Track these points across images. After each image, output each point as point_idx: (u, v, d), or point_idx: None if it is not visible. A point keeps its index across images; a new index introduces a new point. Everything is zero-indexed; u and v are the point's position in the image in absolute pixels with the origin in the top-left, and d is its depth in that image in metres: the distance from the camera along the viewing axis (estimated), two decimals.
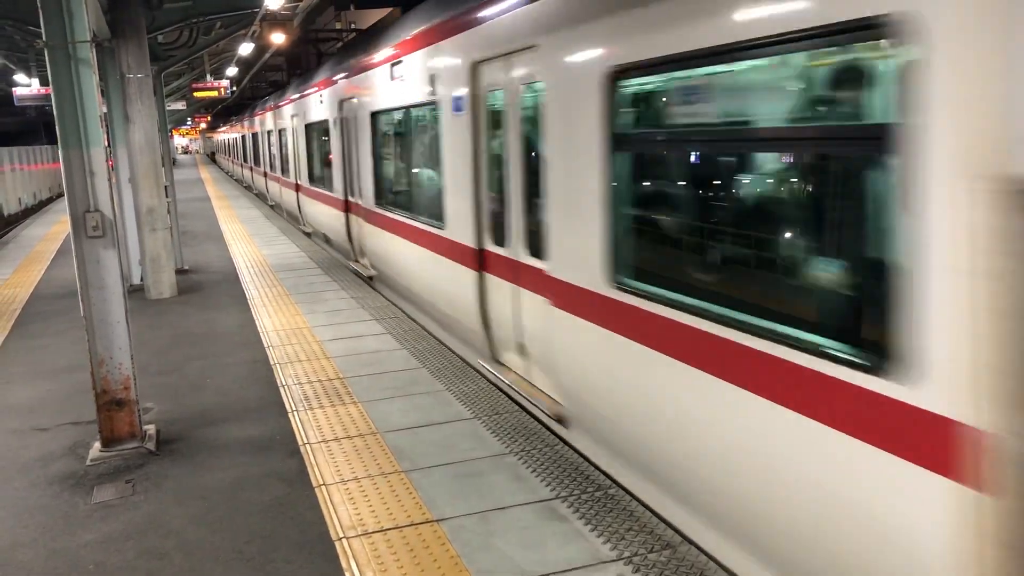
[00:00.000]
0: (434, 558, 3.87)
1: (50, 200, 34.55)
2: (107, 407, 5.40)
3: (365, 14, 31.77)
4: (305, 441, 5.39)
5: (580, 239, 4.78)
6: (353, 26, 29.60)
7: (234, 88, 30.52)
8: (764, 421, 3.29)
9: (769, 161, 3.72)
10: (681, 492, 4.04)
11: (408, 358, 7.19)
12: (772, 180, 3.75)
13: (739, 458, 3.47)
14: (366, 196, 10.71)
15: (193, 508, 4.56)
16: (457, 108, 6.77)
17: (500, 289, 6.27)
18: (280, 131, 20.17)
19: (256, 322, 8.87)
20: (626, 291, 4.33)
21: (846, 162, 3.10)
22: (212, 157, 70.18)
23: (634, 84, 4.38)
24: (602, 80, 4.41)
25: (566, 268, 5.03)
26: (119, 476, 5.04)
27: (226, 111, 49.52)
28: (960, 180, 2.45)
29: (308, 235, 16.66)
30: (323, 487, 4.69)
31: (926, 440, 2.62)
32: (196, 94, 22.53)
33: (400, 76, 8.57)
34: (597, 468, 4.80)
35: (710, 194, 4.25)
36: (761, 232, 3.68)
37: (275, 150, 21.60)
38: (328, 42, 26.38)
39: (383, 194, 10.14)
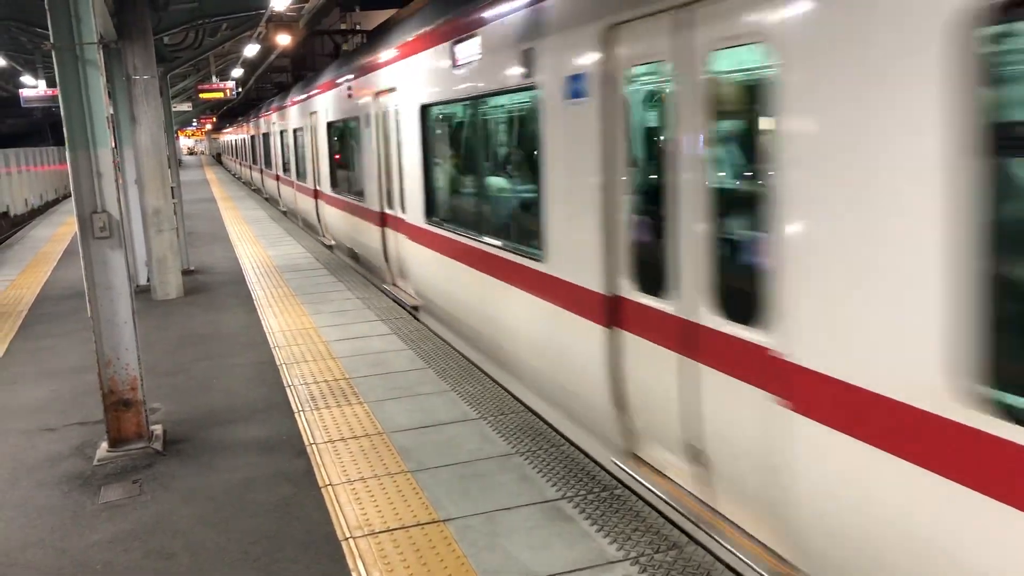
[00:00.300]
0: (440, 558, 3.88)
1: (56, 201, 34.67)
2: (114, 407, 5.41)
3: (371, 15, 31.80)
4: (311, 441, 5.40)
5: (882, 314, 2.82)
6: (358, 27, 29.64)
7: (239, 89, 30.58)
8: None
9: None
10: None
11: (414, 358, 7.19)
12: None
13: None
14: (412, 208, 8.89)
15: (200, 508, 4.58)
16: (575, 93, 4.93)
17: (653, 359, 4.40)
18: (296, 131, 18.47)
19: (262, 323, 8.89)
20: None
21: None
22: (218, 158, 70.32)
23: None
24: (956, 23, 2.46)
25: (835, 360, 3.02)
26: (126, 476, 5.06)
27: (233, 111, 49.42)
28: None
29: (330, 248, 14.75)
30: (329, 487, 4.69)
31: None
32: (202, 95, 22.58)
33: (469, 58, 6.77)
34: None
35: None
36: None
37: (289, 151, 19.95)
38: (346, 34, 26.35)
39: (439, 207, 8.34)
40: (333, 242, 14.87)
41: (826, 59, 2.95)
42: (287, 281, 11.36)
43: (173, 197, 11.15)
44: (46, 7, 5.04)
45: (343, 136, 13.21)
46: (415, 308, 9.20)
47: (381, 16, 29.79)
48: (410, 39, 8.59)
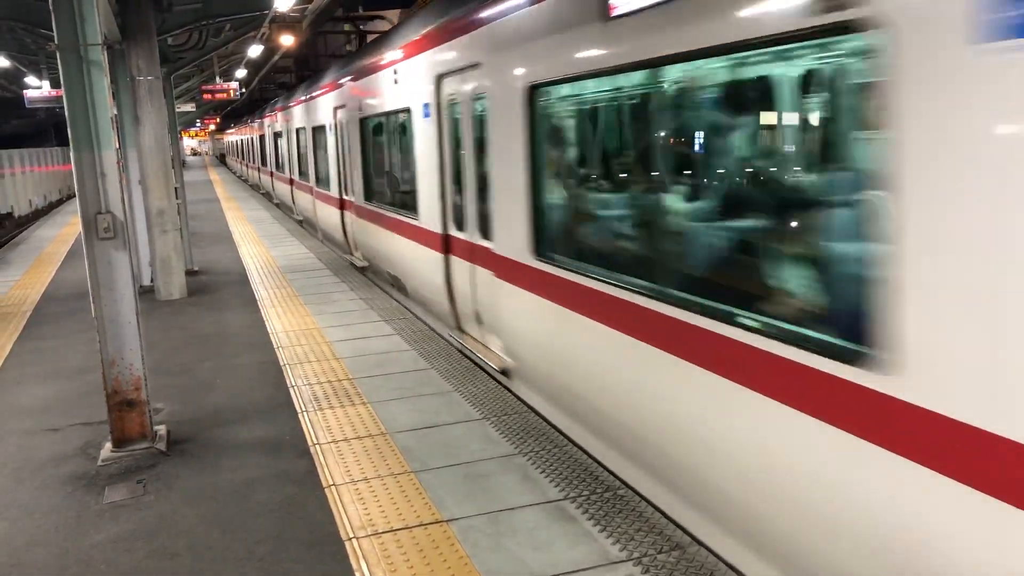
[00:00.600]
0: (444, 558, 3.88)
1: (60, 202, 34.74)
2: (118, 408, 5.42)
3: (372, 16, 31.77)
4: (315, 441, 5.41)
5: None
6: (361, 28, 29.64)
7: (243, 90, 30.62)
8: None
9: None
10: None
11: (417, 359, 7.20)
12: None
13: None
14: (508, 236, 6.22)
15: (204, 508, 4.58)
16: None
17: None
18: (315, 129, 15.89)
19: (266, 323, 8.90)
20: None
21: None
22: (222, 159, 70.37)
23: None
24: None
25: None
26: (130, 476, 5.07)
27: (237, 111, 49.39)
28: None
29: (362, 270, 12.25)
30: (333, 487, 4.70)
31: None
32: (206, 96, 22.61)
33: None
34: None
35: None
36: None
37: (307, 153, 17.19)
38: (370, 20, 26.34)
39: (560, 238, 5.77)
40: (366, 263, 12.15)
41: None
42: (290, 281, 11.38)
43: (177, 198, 11.17)
44: (50, 8, 5.06)
45: (383, 135, 10.88)
46: (503, 371, 6.62)
47: (379, 20, 29.81)
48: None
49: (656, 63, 4.15)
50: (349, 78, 12.14)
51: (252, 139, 35.17)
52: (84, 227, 5.23)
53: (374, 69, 10.36)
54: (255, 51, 20.23)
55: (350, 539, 4.11)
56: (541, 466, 4.86)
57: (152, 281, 10.76)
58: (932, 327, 2.69)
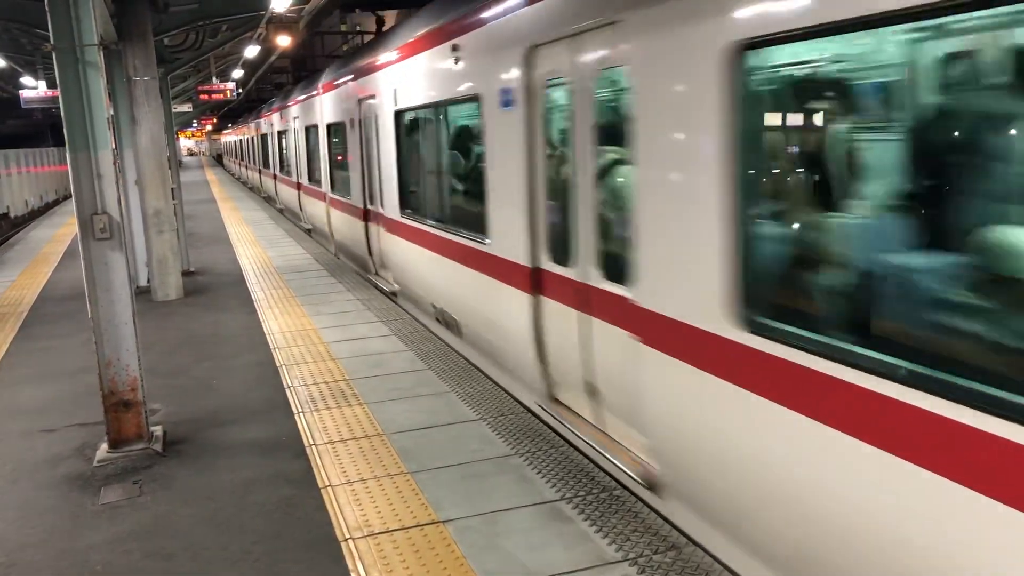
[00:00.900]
0: (440, 559, 3.89)
1: (56, 202, 34.70)
2: (114, 408, 5.42)
3: (371, 17, 31.80)
4: (311, 442, 5.41)
5: None
6: (359, 28, 29.66)
7: (240, 90, 30.59)
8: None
9: None
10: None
11: (414, 359, 7.20)
12: None
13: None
14: (692, 290, 3.95)
15: (200, 509, 4.58)
16: None
17: None
18: (331, 126, 13.67)
19: (262, 324, 8.90)
20: None
21: None
22: (219, 159, 70.26)
23: None
24: None
25: None
26: (126, 477, 5.07)
27: (236, 111, 49.20)
28: None
29: (392, 296, 10.05)
30: (329, 488, 4.70)
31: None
32: (202, 96, 22.60)
33: None
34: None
35: None
36: None
37: (320, 153, 14.97)
38: (346, 35, 26.23)
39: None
40: (396, 287, 9.92)
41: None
42: (287, 282, 11.37)
43: (173, 198, 11.16)
44: (46, 9, 5.05)
45: (430, 131, 8.57)
46: (649, 485, 4.50)
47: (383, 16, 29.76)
48: None
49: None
50: (381, 63, 9.71)
51: (252, 139, 32.32)
52: (80, 228, 5.23)
53: (419, 49, 8.16)
54: (252, 52, 20.22)
55: (346, 540, 4.11)
56: (537, 467, 4.86)
57: (148, 282, 10.75)
58: None
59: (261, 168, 28.88)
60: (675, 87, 3.93)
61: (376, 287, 10.62)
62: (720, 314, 3.66)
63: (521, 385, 6.31)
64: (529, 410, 5.88)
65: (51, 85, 19.98)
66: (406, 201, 9.25)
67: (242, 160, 39.44)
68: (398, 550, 3.98)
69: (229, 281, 11.78)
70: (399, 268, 9.66)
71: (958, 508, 2.64)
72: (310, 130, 16.10)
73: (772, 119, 3.83)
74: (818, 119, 3.77)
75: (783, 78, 3.63)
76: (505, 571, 3.77)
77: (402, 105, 8.90)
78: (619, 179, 4.84)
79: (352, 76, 11.54)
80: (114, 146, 5.34)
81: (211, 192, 31.38)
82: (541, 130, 5.64)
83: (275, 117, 22.72)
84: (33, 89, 21.57)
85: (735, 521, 3.77)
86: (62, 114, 5.14)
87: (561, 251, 5.42)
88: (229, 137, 53.93)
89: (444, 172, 8.32)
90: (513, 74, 5.82)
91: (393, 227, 9.69)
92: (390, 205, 9.71)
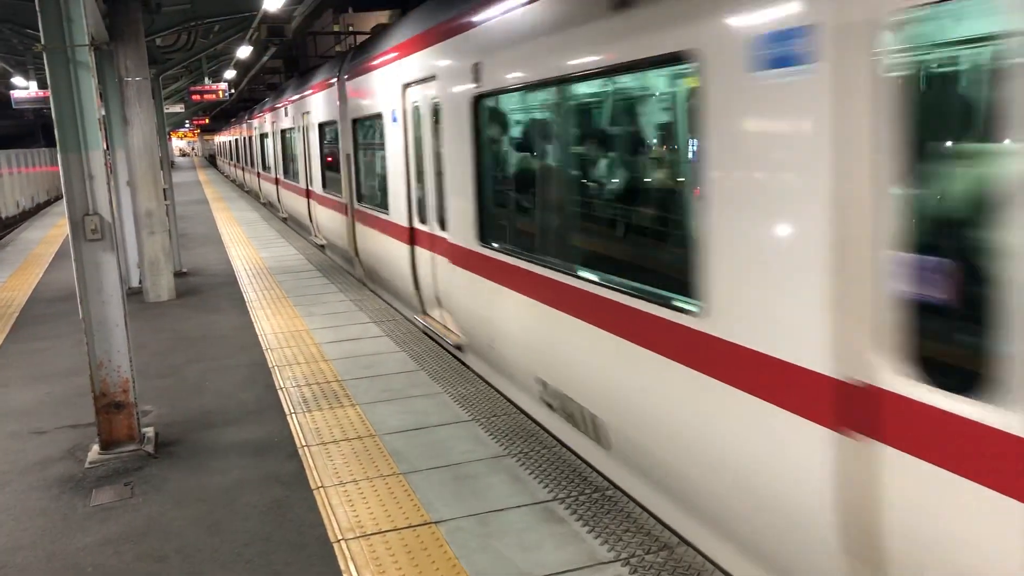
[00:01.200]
0: (432, 560, 3.89)
1: (48, 203, 34.56)
2: (106, 410, 5.40)
3: (364, 17, 31.82)
4: (304, 443, 5.40)
5: None
6: (351, 28, 29.65)
7: (232, 91, 30.51)
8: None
9: None
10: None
11: (406, 360, 7.20)
12: None
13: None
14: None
15: (192, 510, 4.57)
16: None
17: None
18: (357, 121, 11.06)
19: (254, 325, 8.88)
20: None
21: None
22: (212, 160, 70.03)
23: None
24: None
25: None
26: (118, 479, 5.05)
27: (229, 111, 48.92)
28: None
29: (457, 351, 7.54)
30: (321, 489, 4.70)
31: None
32: (194, 96, 22.54)
33: None
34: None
35: None
36: None
37: (335, 158, 12.79)
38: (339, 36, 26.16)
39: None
40: (461, 338, 7.44)
41: None
42: (279, 283, 11.35)
43: (165, 199, 11.13)
44: (37, 9, 5.04)
45: (542, 125, 6.00)
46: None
47: (376, 18, 29.83)
48: None
49: None
50: (451, 28, 7.06)
51: (250, 139, 29.52)
52: (72, 229, 5.21)
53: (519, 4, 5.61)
54: (244, 52, 20.17)
55: (338, 541, 4.11)
56: (530, 467, 4.87)
57: (140, 283, 10.72)
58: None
59: (260, 171, 26.36)
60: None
61: (429, 334, 8.06)
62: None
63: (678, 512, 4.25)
64: None
65: (42, 85, 19.92)
66: (491, 223, 6.58)
67: (237, 162, 37.35)
68: (390, 551, 3.98)
69: (221, 282, 11.75)
70: (470, 316, 7.03)
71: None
72: (325, 127, 13.70)
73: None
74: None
75: None
76: (497, 572, 3.77)
77: (492, 85, 6.14)
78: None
79: (395, 55, 8.83)
80: (105, 147, 5.31)
81: (204, 193, 31.30)
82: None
83: (278, 113, 20.19)
84: (24, 89, 21.49)
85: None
86: (53, 115, 5.13)
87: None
88: (223, 137, 52.22)
89: (589, 185, 5.55)
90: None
91: (466, 259, 6.92)
92: (459, 228, 7.04)
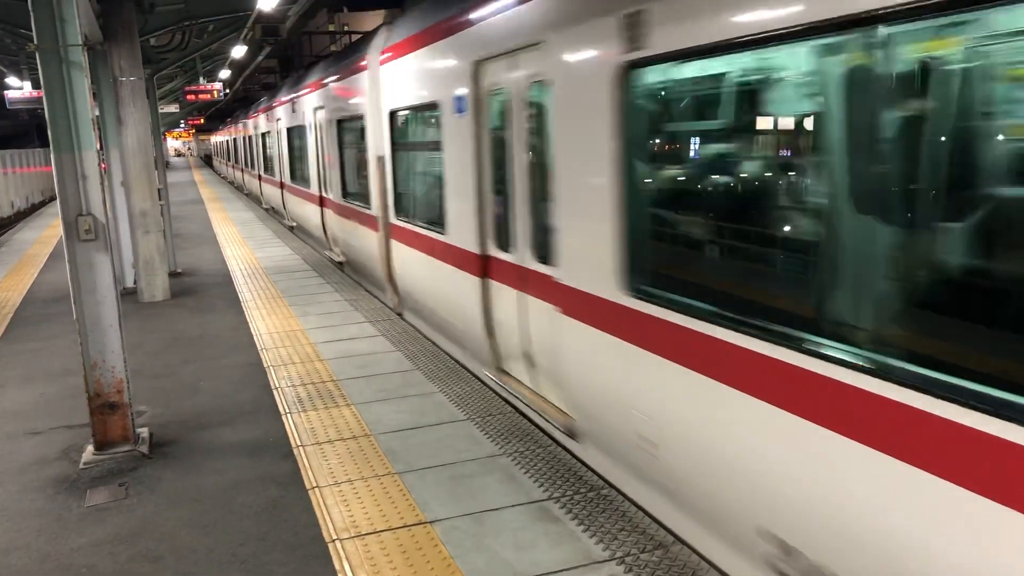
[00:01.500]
0: (427, 559, 3.89)
1: (43, 204, 34.48)
2: (100, 410, 5.39)
3: (359, 17, 31.79)
4: (299, 443, 5.39)
5: None
6: (346, 27, 29.61)
7: (227, 91, 30.42)
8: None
9: None
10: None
11: (401, 360, 7.19)
12: None
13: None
14: None
15: (187, 511, 4.57)
16: None
17: None
18: (393, 114, 8.77)
19: (250, 325, 8.87)
20: None
21: None
22: (208, 161, 69.85)
23: None
24: None
25: None
26: (112, 479, 5.04)
27: (224, 111, 48.70)
28: None
29: (563, 434, 5.38)
30: (316, 489, 4.69)
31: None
32: (189, 96, 22.49)
33: None
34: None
35: None
36: None
37: (380, 156, 9.33)
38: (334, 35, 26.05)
39: None
40: (577, 422, 5.21)
41: None
42: (274, 283, 11.34)
43: (160, 199, 11.11)
44: (30, 8, 5.02)
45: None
46: None
47: (374, 17, 29.78)
48: None
49: None
50: None
51: (250, 139, 26.89)
52: (65, 229, 5.20)
53: None
54: (239, 52, 20.14)
55: (333, 541, 4.11)
56: (525, 466, 4.87)
57: (135, 283, 10.70)
58: None
59: (261, 174, 23.83)
60: None
61: (511, 402, 6.14)
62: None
63: None
64: None
65: (36, 85, 19.86)
66: (653, 261, 4.34)
67: (236, 163, 35.45)
68: (385, 551, 3.98)
69: (216, 282, 11.73)
70: (599, 394, 4.79)
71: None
72: (345, 123, 11.41)
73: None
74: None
75: None
76: (492, 571, 3.78)
77: (667, 45, 3.86)
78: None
79: (465, 20, 6.49)
80: (99, 147, 5.30)
81: (199, 193, 31.24)
82: None
83: (283, 109, 17.75)
84: (18, 90, 21.43)
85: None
86: (46, 115, 5.11)
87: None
88: (220, 137, 50.48)
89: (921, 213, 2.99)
90: None
91: (598, 313, 4.71)
92: (582, 265, 4.88)
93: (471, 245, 6.63)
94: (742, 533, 3.61)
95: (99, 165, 5.26)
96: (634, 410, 4.35)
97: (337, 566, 3.88)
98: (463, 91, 6.52)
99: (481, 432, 5.44)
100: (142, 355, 7.75)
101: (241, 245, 15.67)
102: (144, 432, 5.67)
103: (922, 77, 2.80)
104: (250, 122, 26.23)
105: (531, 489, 4.57)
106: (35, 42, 5.05)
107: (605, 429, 4.79)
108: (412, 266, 8.54)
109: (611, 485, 4.65)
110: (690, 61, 3.84)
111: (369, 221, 10.18)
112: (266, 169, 22.65)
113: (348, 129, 11.41)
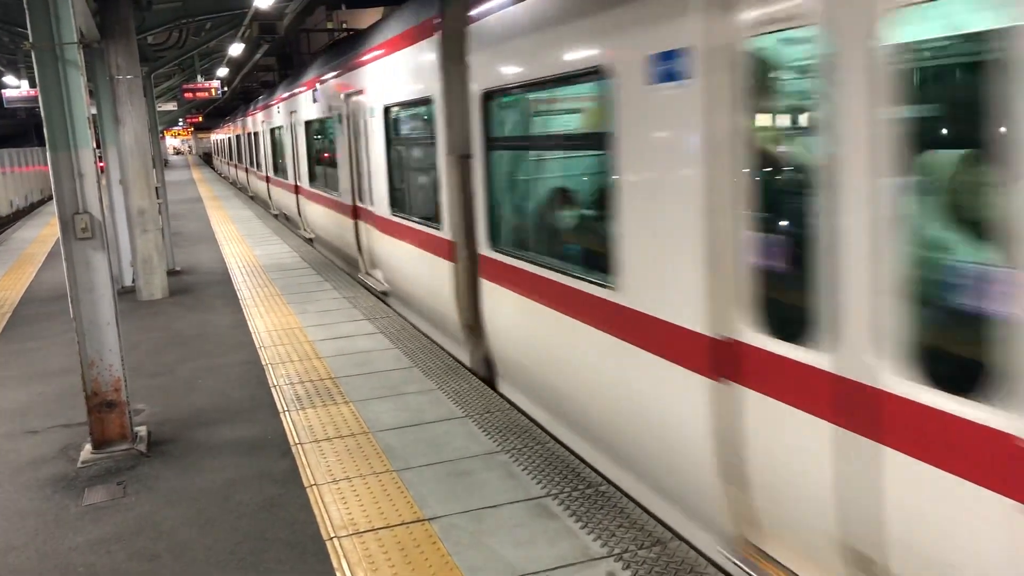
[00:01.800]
0: (425, 557, 3.88)
1: (41, 202, 34.46)
2: (98, 409, 5.39)
3: (357, 14, 31.74)
4: (297, 441, 5.39)
5: None
6: (345, 25, 29.57)
7: (225, 89, 30.39)
8: None
9: None
10: None
11: (400, 357, 7.19)
12: None
13: None
14: None
15: (184, 509, 4.56)
16: None
17: None
18: (507, 95, 5.97)
19: (248, 323, 8.86)
20: None
21: None
22: (207, 159, 69.77)
23: None
24: None
25: None
26: (110, 478, 5.04)
27: (222, 109, 48.55)
28: None
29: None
30: (315, 487, 4.69)
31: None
32: (187, 94, 22.47)
33: None
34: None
35: None
36: None
37: (459, 155, 6.93)
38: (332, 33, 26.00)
39: None
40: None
41: None
42: (273, 281, 11.33)
43: (158, 197, 11.10)
44: (25, 6, 5.01)
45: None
46: None
47: (370, 14, 29.73)
48: None
49: None
50: None
51: (256, 136, 24.33)
52: (62, 228, 5.19)
53: None
54: (236, 50, 20.12)
55: (332, 539, 4.10)
56: (523, 463, 4.86)
57: (134, 281, 10.69)
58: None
59: (270, 175, 21.12)
60: None
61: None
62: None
63: None
64: None
65: (33, 84, 19.82)
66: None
67: (238, 162, 32.90)
68: (383, 548, 3.98)
69: (215, 280, 11.73)
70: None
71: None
72: (392, 110, 8.98)
73: None
74: None
75: None
76: (490, 568, 3.77)
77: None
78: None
79: None
80: (96, 145, 5.29)
81: (198, 191, 31.22)
82: None
83: (296, 101, 15.29)
84: (16, 88, 21.41)
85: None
86: (42, 113, 5.10)
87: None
88: (220, 135, 48.34)
89: None
90: None
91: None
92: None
93: (689, 320, 3.83)
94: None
95: (96, 163, 5.26)
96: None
97: (335, 564, 3.88)
98: (681, 42, 3.69)
99: (479, 429, 5.44)
100: (140, 353, 7.74)
101: (240, 243, 15.66)
102: (142, 430, 5.67)
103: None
104: (259, 116, 22.52)
105: (529, 486, 4.57)
106: (31, 40, 5.04)
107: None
108: (528, 326, 5.78)
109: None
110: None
111: (435, 245, 7.57)
112: (276, 170, 19.71)
113: (402, 120, 8.92)
